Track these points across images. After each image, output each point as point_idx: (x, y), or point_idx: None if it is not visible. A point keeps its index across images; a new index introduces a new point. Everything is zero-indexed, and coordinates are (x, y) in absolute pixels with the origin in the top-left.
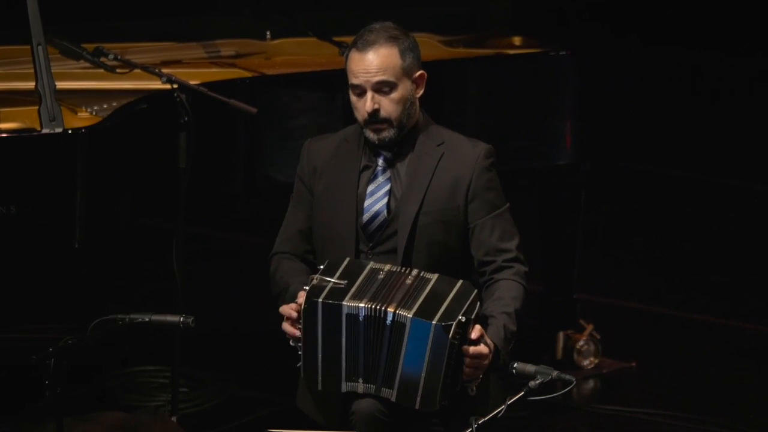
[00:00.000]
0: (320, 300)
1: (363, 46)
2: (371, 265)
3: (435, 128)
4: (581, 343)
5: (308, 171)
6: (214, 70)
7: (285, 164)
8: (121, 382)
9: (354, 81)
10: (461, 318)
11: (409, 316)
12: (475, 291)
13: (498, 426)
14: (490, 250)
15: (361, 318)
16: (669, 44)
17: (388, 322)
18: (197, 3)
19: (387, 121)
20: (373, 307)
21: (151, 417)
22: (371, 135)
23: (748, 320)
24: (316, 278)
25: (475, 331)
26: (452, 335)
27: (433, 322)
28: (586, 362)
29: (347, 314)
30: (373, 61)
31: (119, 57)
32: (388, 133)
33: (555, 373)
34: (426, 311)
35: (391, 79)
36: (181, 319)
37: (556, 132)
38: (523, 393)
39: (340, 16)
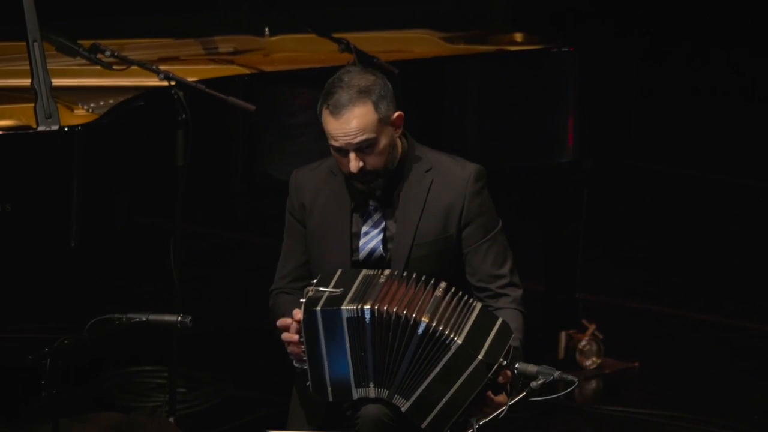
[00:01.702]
0: (318, 308)
1: (335, 109)
2: (364, 272)
3: (420, 151)
4: (583, 343)
5: (297, 206)
6: (212, 66)
7: (284, 162)
8: (118, 382)
9: (334, 144)
10: (502, 361)
11: (459, 341)
12: (512, 335)
13: (499, 427)
14: (484, 276)
15: (367, 320)
16: (671, 41)
17: (419, 331)
18: None
19: (373, 173)
20: (392, 310)
21: (149, 418)
22: (359, 186)
23: (752, 320)
24: (311, 290)
25: (505, 377)
26: (490, 374)
27: (480, 357)
28: (588, 362)
29: (348, 318)
30: (351, 123)
31: (116, 53)
32: (376, 183)
33: (557, 374)
34: (473, 342)
35: (372, 136)
36: (179, 318)
37: (557, 129)
38: (524, 393)
39: (339, 13)
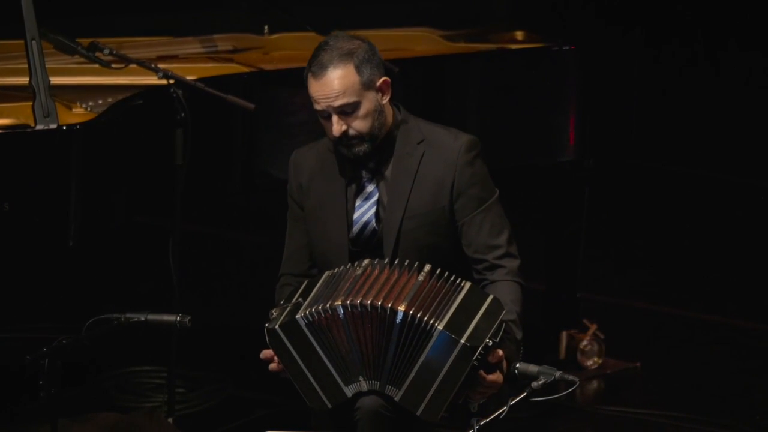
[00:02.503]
0: (277, 326)
1: (317, 70)
2: (328, 273)
3: (414, 123)
4: (585, 342)
5: (296, 188)
6: (211, 65)
7: (283, 161)
8: (117, 382)
9: (316, 107)
10: (488, 341)
11: (440, 327)
12: (504, 311)
13: (500, 427)
14: (480, 247)
15: (341, 316)
16: (673, 39)
17: (398, 320)
18: None
19: (358, 137)
20: (366, 302)
21: (147, 418)
22: (345, 151)
23: (754, 320)
24: (275, 311)
25: (495, 357)
26: (476, 357)
27: (462, 341)
28: (589, 362)
29: (307, 324)
30: (331, 85)
31: (114, 52)
32: (361, 148)
33: (558, 374)
34: (455, 325)
35: (353, 99)
36: (178, 318)
37: (558, 128)
38: (525, 394)
39: (339, 11)
